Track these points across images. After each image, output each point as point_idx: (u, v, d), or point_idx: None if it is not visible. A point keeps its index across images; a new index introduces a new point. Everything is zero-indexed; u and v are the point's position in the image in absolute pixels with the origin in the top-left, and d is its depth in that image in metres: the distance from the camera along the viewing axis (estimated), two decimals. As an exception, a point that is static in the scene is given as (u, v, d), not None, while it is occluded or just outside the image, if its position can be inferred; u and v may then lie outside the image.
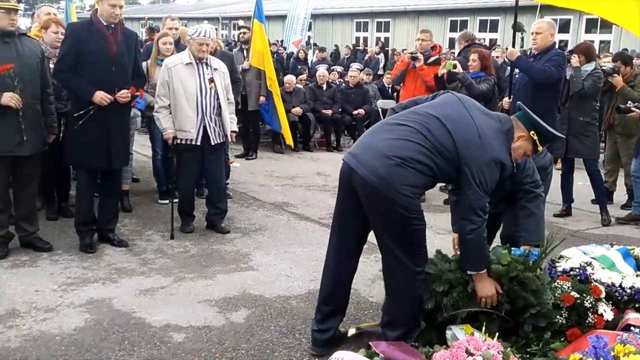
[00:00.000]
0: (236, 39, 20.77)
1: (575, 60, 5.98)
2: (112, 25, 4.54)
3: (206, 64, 5.20)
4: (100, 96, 4.47)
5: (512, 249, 3.23)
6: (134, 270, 4.43)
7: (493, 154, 2.96)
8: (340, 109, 10.38)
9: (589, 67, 6.05)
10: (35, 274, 4.28)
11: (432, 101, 3.28)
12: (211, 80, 5.18)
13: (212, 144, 5.23)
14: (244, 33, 9.13)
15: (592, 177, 6.30)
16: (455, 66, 6.32)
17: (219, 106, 5.24)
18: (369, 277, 4.43)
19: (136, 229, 5.41)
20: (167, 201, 6.02)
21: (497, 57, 9.38)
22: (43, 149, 4.68)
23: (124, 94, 4.60)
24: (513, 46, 5.70)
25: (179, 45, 6.22)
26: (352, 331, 3.46)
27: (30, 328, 3.50)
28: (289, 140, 8.86)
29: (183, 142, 5.16)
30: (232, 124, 5.41)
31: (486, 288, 3.04)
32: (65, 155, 4.83)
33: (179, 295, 4.03)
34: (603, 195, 6.34)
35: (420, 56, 6.67)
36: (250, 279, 4.36)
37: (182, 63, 5.13)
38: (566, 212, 6.42)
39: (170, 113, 5.14)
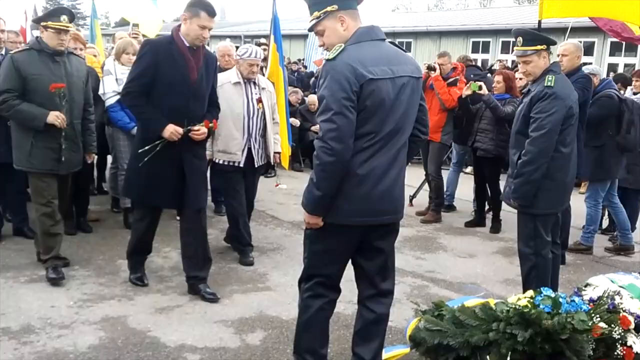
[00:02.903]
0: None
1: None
2: (194, 47, 4.00)
3: (254, 83, 5.05)
4: (171, 131, 3.91)
5: (560, 298, 3.05)
6: (150, 288, 4.39)
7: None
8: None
9: None
10: (52, 289, 4.25)
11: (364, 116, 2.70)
12: (259, 101, 5.03)
13: (256, 166, 5.08)
14: (264, 50, 9.18)
15: (633, 206, 6.15)
16: (480, 87, 6.26)
17: (265, 127, 5.08)
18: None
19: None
20: (185, 218, 6.01)
21: (520, 79, 9.32)
22: (77, 168, 4.64)
23: (199, 132, 4.04)
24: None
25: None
26: None
27: (44, 345, 3.46)
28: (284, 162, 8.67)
29: (227, 163, 4.97)
30: (275, 144, 5.26)
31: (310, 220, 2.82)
32: (126, 188, 4.37)
33: (195, 315, 3.97)
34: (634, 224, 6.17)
35: (437, 66, 6.65)
36: (267, 300, 4.29)
37: (229, 82, 4.94)
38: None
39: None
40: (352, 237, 2.85)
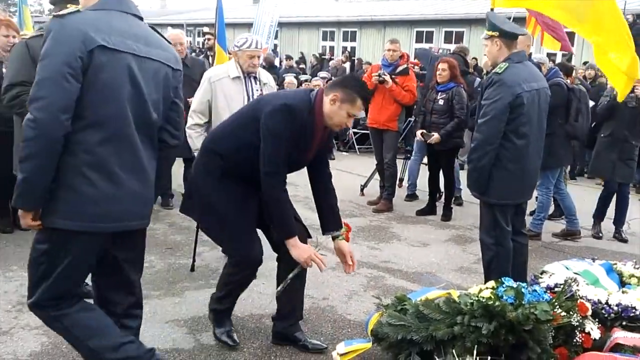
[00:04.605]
0: (200, 46, 20.62)
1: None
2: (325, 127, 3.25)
3: (255, 77, 4.53)
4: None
5: (523, 289, 3.02)
6: (96, 288, 4.15)
7: None
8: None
9: None
10: (-13, 293, 3.97)
11: None
12: None
13: None
14: (209, 39, 8.99)
15: (624, 199, 6.20)
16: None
17: None
18: (345, 294, 4.27)
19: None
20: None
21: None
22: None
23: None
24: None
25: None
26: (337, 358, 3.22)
27: (-20, 353, 3.21)
28: None
29: None
30: None
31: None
32: None
33: (145, 315, 3.68)
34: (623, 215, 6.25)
35: (388, 78, 6.50)
36: (220, 296, 4.13)
37: (228, 77, 4.43)
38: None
39: (206, 132, 4.45)
40: (97, 245, 2.42)
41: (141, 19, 2.47)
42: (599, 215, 6.26)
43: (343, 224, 3.39)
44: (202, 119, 4.48)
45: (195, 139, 4.47)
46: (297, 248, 3.14)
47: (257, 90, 4.52)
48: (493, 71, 3.88)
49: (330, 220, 3.37)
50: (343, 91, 3.09)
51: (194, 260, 4.62)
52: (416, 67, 7.54)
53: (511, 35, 3.89)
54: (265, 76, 4.67)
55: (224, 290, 3.46)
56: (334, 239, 3.36)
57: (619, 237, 6.12)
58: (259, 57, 4.50)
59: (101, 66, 2.24)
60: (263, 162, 3.05)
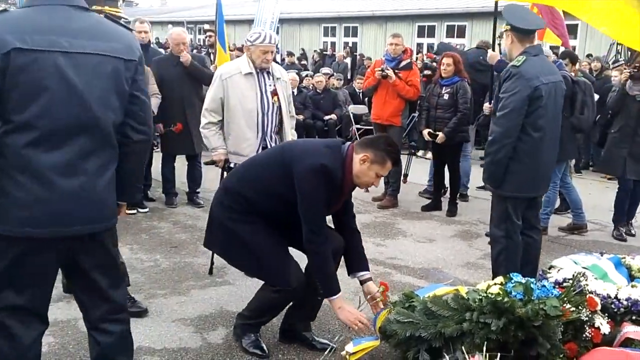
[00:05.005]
0: (201, 43, 20.63)
1: None
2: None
3: (268, 73, 4.39)
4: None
5: (532, 284, 2.99)
6: (101, 287, 4.14)
7: None
8: (311, 115, 10.25)
9: None
10: (-7, 294, 3.96)
11: None
12: (274, 93, 4.38)
13: None
14: (210, 37, 9.00)
15: (635, 194, 6.06)
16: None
17: (281, 122, 4.47)
18: (352, 290, 4.23)
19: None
20: (134, 211, 5.77)
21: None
22: None
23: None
24: (493, 50, 5.61)
25: (148, 50, 5.93)
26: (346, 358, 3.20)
27: (-13, 355, 3.20)
28: None
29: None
30: None
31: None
32: None
33: (151, 314, 3.77)
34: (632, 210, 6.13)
35: (391, 73, 6.43)
36: (226, 294, 4.13)
37: (239, 73, 4.30)
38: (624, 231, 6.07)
39: (221, 129, 4.43)
40: (39, 251, 2.23)
41: (85, 9, 2.31)
42: (619, 216, 6.03)
43: (380, 284, 3.39)
44: (216, 117, 4.39)
45: (211, 138, 4.41)
46: (343, 310, 3.16)
47: (270, 85, 4.40)
48: (510, 64, 3.83)
49: (356, 261, 3.39)
50: (374, 152, 3.09)
51: (212, 263, 4.51)
52: (419, 60, 7.50)
53: (521, 30, 3.84)
54: (279, 71, 4.54)
55: (258, 312, 3.35)
56: (362, 283, 3.37)
57: (626, 230, 6.08)
58: (272, 52, 4.35)
59: (22, 68, 2.12)
60: (304, 220, 3.06)
